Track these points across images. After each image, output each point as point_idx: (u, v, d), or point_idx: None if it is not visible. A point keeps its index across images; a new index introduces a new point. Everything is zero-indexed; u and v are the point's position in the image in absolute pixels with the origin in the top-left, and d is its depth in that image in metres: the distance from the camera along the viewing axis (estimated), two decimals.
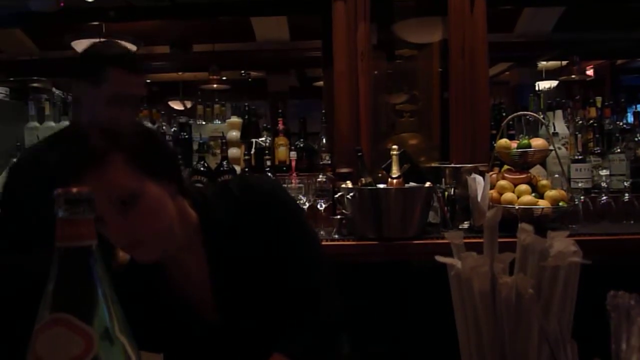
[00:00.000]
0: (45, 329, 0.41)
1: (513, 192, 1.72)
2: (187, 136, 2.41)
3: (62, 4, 2.69)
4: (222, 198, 0.98)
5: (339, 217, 1.87)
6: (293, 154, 2.17)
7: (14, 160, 1.71)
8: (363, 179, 1.86)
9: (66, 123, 2.54)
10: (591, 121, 2.34)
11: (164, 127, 2.49)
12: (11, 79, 2.80)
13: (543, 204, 1.67)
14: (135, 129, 0.90)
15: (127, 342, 0.44)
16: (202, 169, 2.24)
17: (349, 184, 1.87)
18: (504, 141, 1.81)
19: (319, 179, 1.95)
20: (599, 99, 2.43)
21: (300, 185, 1.89)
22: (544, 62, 5.64)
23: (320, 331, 1.01)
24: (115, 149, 0.81)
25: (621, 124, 2.42)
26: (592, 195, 2.03)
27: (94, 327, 0.41)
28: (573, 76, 4.74)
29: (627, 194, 1.99)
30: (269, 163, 2.20)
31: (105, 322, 0.42)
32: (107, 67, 1.30)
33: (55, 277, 0.42)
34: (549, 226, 1.65)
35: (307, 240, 1.04)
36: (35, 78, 2.81)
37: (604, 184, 2.02)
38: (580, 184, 2.02)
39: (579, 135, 2.19)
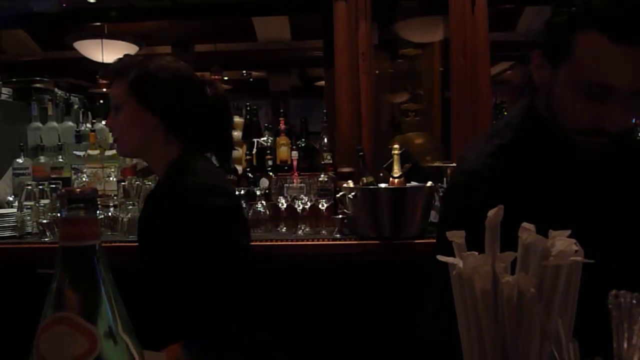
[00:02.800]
0: (49, 328, 0.41)
1: None
2: None
3: (64, 5, 2.70)
4: (180, 172, 1.21)
5: (340, 216, 1.87)
6: (295, 154, 2.17)
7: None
8: (364, 179, 1.86)
9: (69, 124, 2.56)
10: None
11: None
12: (14, 79, 2.80)
13: None
14: (140, 71, 1.22)
15: (131, 342, 0.44)
16: None
17: (351, 184, 1.87)
18: None
19: (320, 179, 1.96)
20: None
21: (302, 184, 1.89)
22: None
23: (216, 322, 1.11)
24: (120, 77, 1.24)
25: None
26: None
27: (97, 326, 0.42)
28: None
29: None
30: (270, 163, 2.21)
31: (108, 321, 0.42)
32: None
33: (59, 276, 0.42)
34: None
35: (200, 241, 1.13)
36: (38, 79, 2.81)
37: None
38: None
39: None
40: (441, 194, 1.84)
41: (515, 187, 0.90)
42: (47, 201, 1.96)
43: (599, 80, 0.83)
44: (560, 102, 0.89)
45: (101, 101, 3.02)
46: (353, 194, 1.76)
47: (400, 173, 1.78)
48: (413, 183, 1.80)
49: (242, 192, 2.00)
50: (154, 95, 1.21)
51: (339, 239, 1.80)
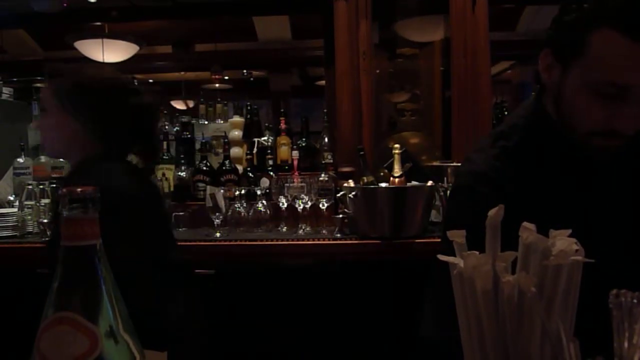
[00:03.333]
0: (50, 327, 0.41)
1: None
2: (189, 135, 2.42)
3: (65, 5, 2.70)
4: (77, 174, 1.32)
5: (341, 216, 1.88)
6: (295, 153, 2.17)
7: None
8: (365, 178, 1.86)
9: None
10: None
11: (166, 127, 2.50)
12: (15, 79, 2.80)
13: None
14: (66, 79, 1.32)
15: (132, 341, 0.44)
16: (204, 168, 2.24)
17: (351, 183, 1.87)
18: None
19: (321, 178, 1.96)
20: None
21: (303, 184, 1.89)
22: None
23: None
24: (49, 82, 1.39)
25: None
26: None
27: (98, 325, 0.42)
28: None
29: None
30: (271, 162, 2.21)
31: (109, 320, 0.42)
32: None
33: (60, 276, 0.42)
34: None
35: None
36: (39, 78, 2.81)
37: None
38: None
39: None
40: (442, 193, 1.84)
41: (522, 189, 0.88)
42: (47, 201, 1.96)
43: (615, 80, 0.79)
44: (571, 103, 0.86)
45: None
46: (353, 193, 1.76)
47: (401, 172, 1.78)
48: (413, 182, 1.80)
49: (243, 191, 2.00)
50: (78, 103, 1.30)
51: (340, 239, 1.80)
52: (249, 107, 2.49)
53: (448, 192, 1.86)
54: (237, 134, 2.50)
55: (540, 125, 0.94)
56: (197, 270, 1.75)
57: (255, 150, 2.30)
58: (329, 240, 1.79)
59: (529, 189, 0.90)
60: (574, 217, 0.62)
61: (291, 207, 1.93)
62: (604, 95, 0.81)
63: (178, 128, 2.52)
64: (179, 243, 1.82)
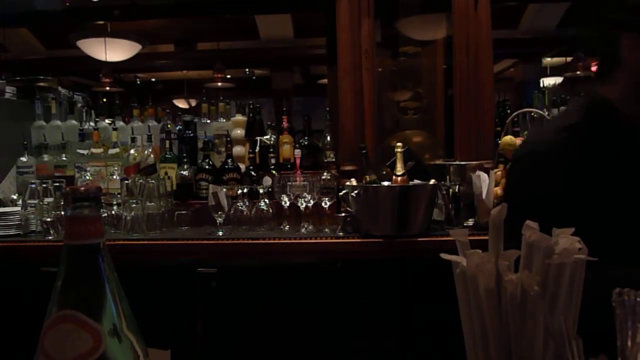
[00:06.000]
0: (54, 325, 0.41)
1: None
2: (192, 134, 2.42)
3: (67, 3, 2.70)
4: None
5: (343, 214, 1.87)
6: (297, 152, 2.17)
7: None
8: (367, 177, 1.86)
9: (73, 122, 2.57)
10: None
11: (169, 126, 2.50)
12: (18, 78, 2.81)
13: None
14: None
15: (135, 339, 0.44)
16: (207, 167, 2.25)
17: (354, 182, 1.87)
18: (508, 138, 1.81)
19: (323, 177, 1.96)
20: None
21: (305, 182, 1.89)
22: (549, 59, 5.62)
23: None
24: None
25: None
26: None
27: (102, 324, 0.42)
28: (578, 72, 4.70)
29: None
30: (273, 161, 2.21)
31: (113, 319, 0.43)
32: None
33: (64, 274, 0.43)
34: None
35: None
36: (42, 77, 2.82)
37: None
38: None
39: None
40: (444, 191, 1.84)
41: (585, 159, 0.97)
42: (50, 199, 1.97)
43: None
44: None
45: (104, 100, 3.03)
46: (356, 192, 1.76)
47: (403, 171, 1.78)
48: (416, 181, 1.80)
49: (245, 190, 2.01)
50: None
51: (342, 237, 1.80)
52: (251, 106, 2.49)
53: (450, 190, 1.86)
54: (239, 132, 2.50)
55: (598, 108, 1.05)
56: (199, 269, 1.76)
57: (257, 148, 2.29)
58: (331, 238, 1.79)
59: (591, 161, 0.98)
60: (627, 197, 0.70)
61: (293, 205, 1.93)
62: None
63: (180, 127, 2.52)
64: (182, 242, 1.83)
